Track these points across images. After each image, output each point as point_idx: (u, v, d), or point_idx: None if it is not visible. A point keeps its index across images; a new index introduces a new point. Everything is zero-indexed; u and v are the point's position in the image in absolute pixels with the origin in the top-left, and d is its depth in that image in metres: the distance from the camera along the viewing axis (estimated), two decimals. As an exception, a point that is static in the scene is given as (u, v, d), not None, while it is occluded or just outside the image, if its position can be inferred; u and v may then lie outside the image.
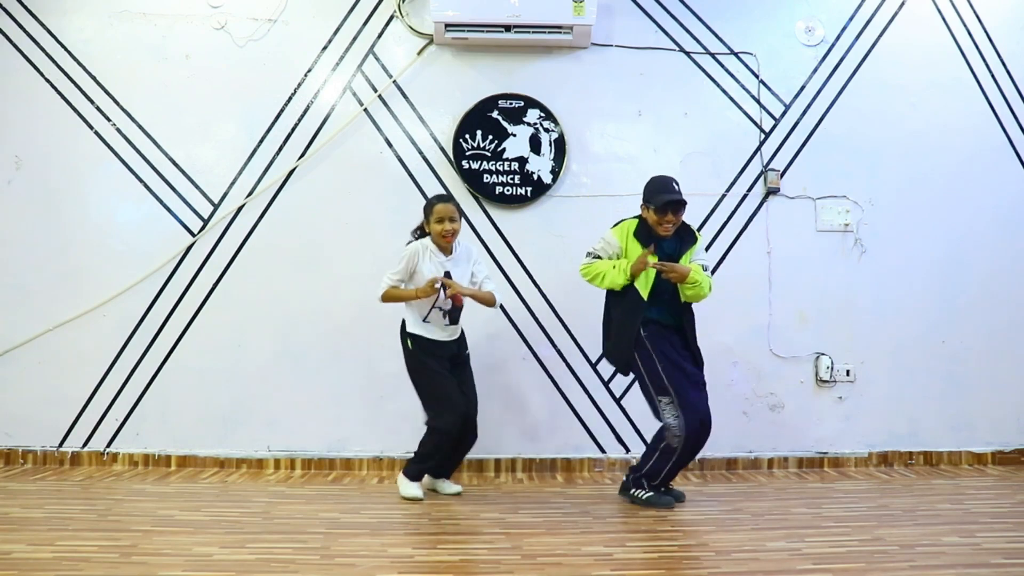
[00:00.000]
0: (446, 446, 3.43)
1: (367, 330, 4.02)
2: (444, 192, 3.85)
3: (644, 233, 3.41)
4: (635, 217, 3.47)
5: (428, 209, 3.45)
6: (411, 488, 3.44)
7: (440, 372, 3.45)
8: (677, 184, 3.39)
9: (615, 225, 3.48)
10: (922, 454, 4.17)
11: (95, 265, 4.04)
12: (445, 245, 3.44)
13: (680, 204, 3.36)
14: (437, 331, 3.46)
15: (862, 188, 4.18)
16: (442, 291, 3.35)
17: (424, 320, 3.44)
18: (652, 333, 3.35)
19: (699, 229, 4.15)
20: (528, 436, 4.06)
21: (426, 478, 3.54)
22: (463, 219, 3.69)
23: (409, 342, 3.47)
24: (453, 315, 3.47)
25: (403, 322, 3.51)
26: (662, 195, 3.34)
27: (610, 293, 3.47)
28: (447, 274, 3.41)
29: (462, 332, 3.57)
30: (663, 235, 3.36)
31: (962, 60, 4.25)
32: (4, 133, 4.05)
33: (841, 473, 4.01)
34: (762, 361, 4.12)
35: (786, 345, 4.14)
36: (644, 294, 3.36)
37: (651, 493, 3.33)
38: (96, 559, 2.55)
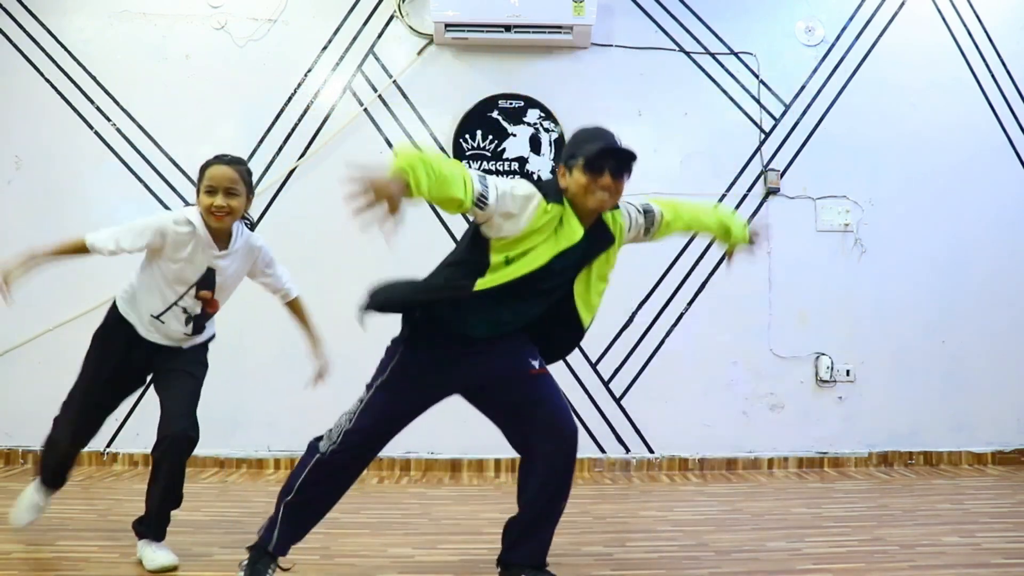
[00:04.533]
0: (51, 463, 2.65)
1: (367, 330, 4.01)
2: (236, 157, 2.60)
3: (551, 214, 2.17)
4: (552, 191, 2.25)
5: (201, 172, 2.49)
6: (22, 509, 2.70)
7: (105, 366, 2.60)
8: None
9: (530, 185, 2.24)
10: (922, 454, 4.17)
11: (95, 265, 4.01)
12: (215, 226, 2.47)
13: (626, 158, 2.21)
14: (159, 333, 2.55)
15: (862, 188, 4.18)
16: (193, 290, 2.52)
17: (155, 316, 2.53)
18: (417, 356, 2.29)
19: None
20: (528, 436, 4.05)
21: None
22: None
23: (109, 317, 2.63)
24: (198, 322, 2.58)
25: (115, 300, 2.67)
26: (595, 143, 2.21)
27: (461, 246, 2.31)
28: (208, 273, 2.52)
29: (196, 345, 2.63)
30: (593, 208, 2.20)
31: (962, 60, 4.24)
32: (4, 133, 4.05)
33: (841, 473, 4.01)
34: (762, 361, 4.12)
35: (786, 345, 4.14)
36: (490, 284, 2.12)
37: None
38: (96, 559, 2.55)
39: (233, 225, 2.52)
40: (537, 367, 2.35)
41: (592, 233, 2.25)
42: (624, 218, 2.35)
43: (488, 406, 2.41)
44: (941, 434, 4.18)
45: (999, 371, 4.19)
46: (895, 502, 3.39)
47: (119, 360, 2.59)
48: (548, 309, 2.31)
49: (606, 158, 2.19)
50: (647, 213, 2.40)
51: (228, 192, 2.45)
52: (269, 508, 3.23)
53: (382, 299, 2.30)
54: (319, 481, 2.29)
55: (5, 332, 4.00)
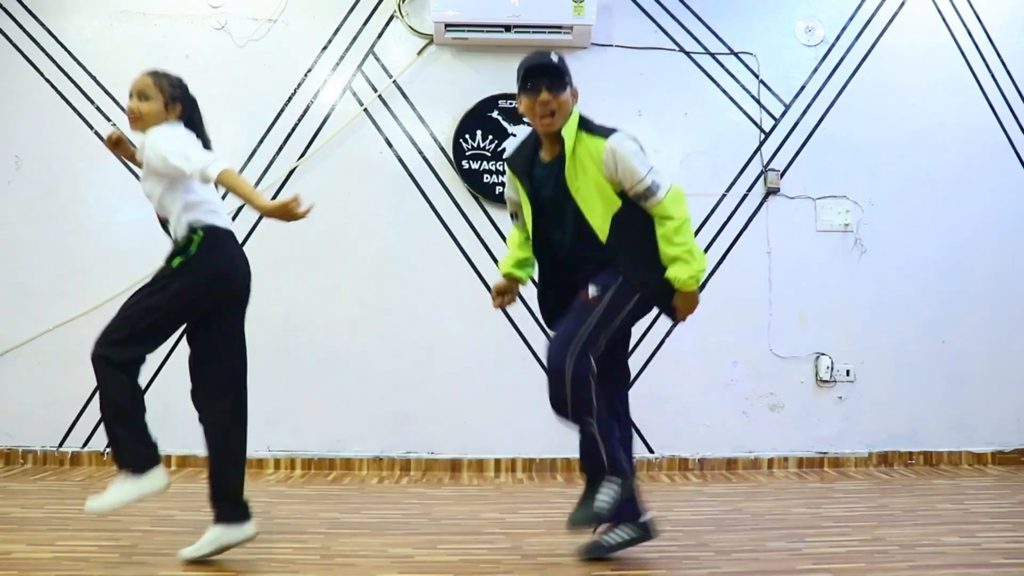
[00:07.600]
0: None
1: (367, 329, 4.02)
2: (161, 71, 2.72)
3: (522, 152, 2.50)
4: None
5: None
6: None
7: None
8: (556, 54, 2.40)
9: None
10: (922, 454, 4.17)
11: (95, 265, 4.04)
12: (133, 130, 2.65)
13: (548, 70, 2.35)
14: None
15: (862, 188, 4.18)
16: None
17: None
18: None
19: (698, 230, 4.15)
20: (528, 436, 4.05)
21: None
22: (465, 216, 3.62)
23: None
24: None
25: None
26: (522, 66, 2.39)
27: None
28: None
29: (174, 253, 2.56)
30: (544, 130, 2.40)
31: (962, 60, 4.24)
32: (4, 133, 4.05)
33: (841, 473, 4.01)
34: (762, 361, 4.12)
35: (786, 345, 4.14)
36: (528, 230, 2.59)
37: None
38: (96, 559, 2.55)
39: (141, 129, 2.56)
40: (591, 294, 2.41)
41: (556, 161, 2.41)
42: (607, 154, 2.35)
43: None
44: (941, 434, 4.17)
45: (999, 371, 4.19)
46: (895, 502, 3.39)
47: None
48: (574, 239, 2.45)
49: (533, 77, 2.34)
50: (648, 193, 2.40)
51: (139, 95, 2.57)
52: (269, 508, 3.24)
53: None
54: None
55: (5, 332, 4.00)
